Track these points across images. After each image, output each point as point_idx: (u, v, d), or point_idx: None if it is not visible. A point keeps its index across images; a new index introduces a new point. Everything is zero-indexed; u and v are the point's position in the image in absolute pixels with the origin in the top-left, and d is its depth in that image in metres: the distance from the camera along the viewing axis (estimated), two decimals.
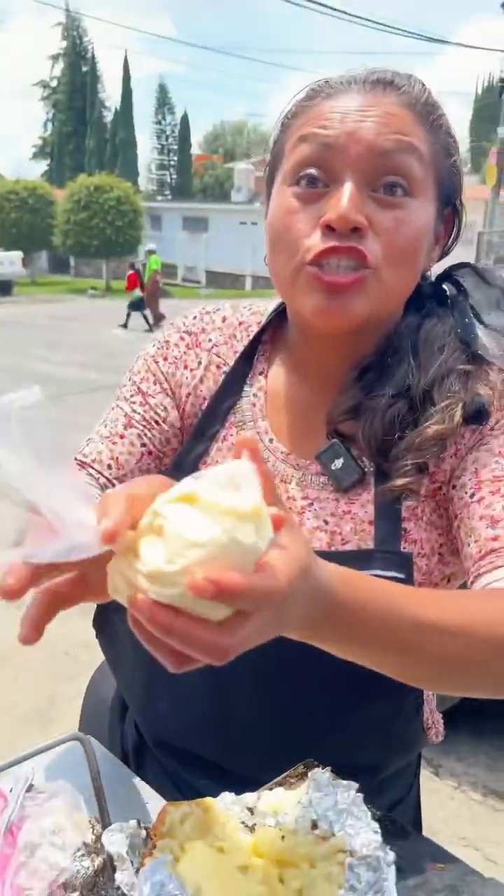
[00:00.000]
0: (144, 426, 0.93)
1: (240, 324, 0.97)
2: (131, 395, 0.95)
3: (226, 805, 0.70)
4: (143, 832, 0.66)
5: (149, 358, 0.97)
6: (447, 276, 0.90)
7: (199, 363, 0.95)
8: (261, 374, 0.94)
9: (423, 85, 0.82)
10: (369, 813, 0.65)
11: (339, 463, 0.85)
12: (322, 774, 0.69)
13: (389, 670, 0.65)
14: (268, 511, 0.49)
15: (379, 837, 0.61)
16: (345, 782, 0.68)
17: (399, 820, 0.74)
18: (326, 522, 0.85)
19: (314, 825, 0.67)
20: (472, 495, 0.78)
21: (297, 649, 0.85)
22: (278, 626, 0.53)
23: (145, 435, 0.93)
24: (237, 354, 0.94)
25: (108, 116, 54.86)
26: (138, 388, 0.95)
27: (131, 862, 0.62)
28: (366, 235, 0.77)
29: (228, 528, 0.46)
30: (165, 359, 0.96)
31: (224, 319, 0.98)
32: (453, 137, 0.84)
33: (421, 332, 0.84)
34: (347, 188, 0.76)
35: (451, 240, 0.88)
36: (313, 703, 0.87)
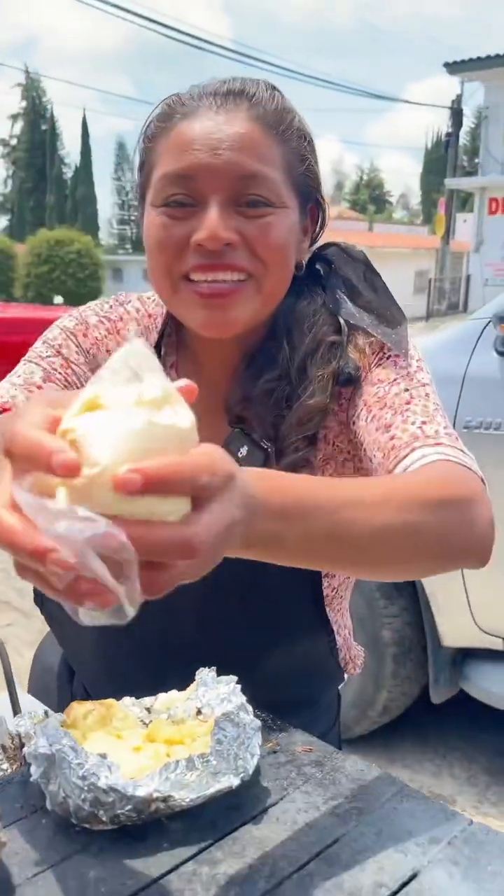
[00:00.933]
0: (65, 386, 0.93)
1: (148, 315, 1.01)
2: (49, 356, 0.95)
3: (126, 706, 0.81)
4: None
5: (67, 330, 0.97)
6: (317, 256, 1.00)
7: None
8: (171, 367, 1.00)
9: (274, 90, 0.90)
10: (244, 697, 0.77)
11: (243, 451, 0.91)
12: (208, 674, 0.81)
13: (334, 561, 0.69)
14: (177, 388, 0.47)
15: (242, 705, 0.73)
16: (226, 678, 0.80)
17: (279, 719, 0.85)
18: None
19: (199, 712, 0.78)
20: (366, 419, 0.88)
21: (221, 604, 0.94)
22: (238, 517, 0.52)
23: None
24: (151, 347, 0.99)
25: (68, 173, 55.91)
26: (58, 351, 0.95)
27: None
28: (237, 248, 0.84)
29: (142, 417, 0.44)
30: (85, 336, 0.96)
31: (138, 311, 1.01)
32: (307, 139, 0.91)
33: (294, 311, 0.95)
34: (213, 209, 0.83)
35: (318, 229, 0.98)
36: (242, 648, 0.93)
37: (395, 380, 0.89)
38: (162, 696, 0.83)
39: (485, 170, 21.28)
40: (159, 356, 0.99)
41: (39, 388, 0.92)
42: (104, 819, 0.65)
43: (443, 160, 27.89)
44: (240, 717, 0.71)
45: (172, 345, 1.01)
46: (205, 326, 0.88)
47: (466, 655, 2.72)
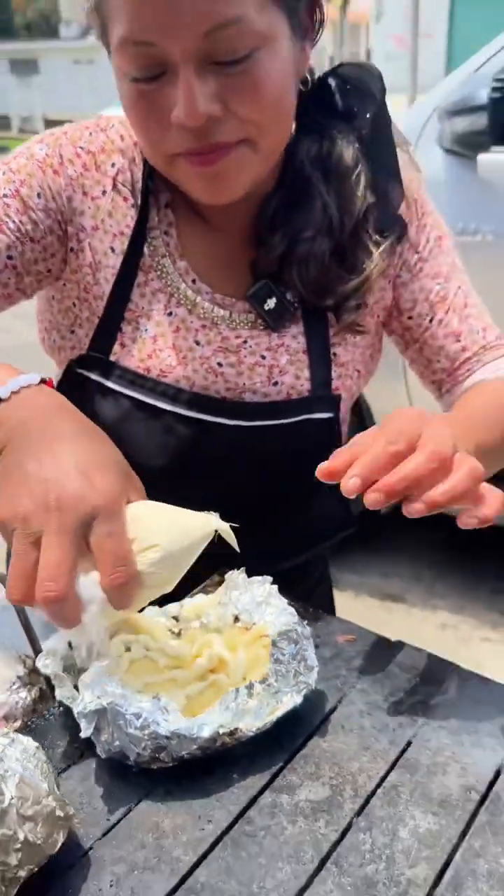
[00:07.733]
0: (17, 238, 0.81)
1: (135, 144, 0.85)
2: (4, 195, 0.81)
3: (151, 616, 0.74)
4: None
5: (36, 163, 0.82)
6: (331, 72, 0.85)
7: (104, 192, 0.84)
8: (166, 206, 0.86)
9: None
10: (285, 600, 0.71)
11: (271, 303, 0.86)
12: (237, 576, 0.74)
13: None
14: None
15: (295, 616, 0.67)
16: (259, 578, 0.73)
17: (310, 606, 0.80)
18: (264, 357, 0.88)
19: (236, 619, 0.72)
20: (430, 319, 0.91)
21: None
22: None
23: (15, 248, 0.81)
24: (139, 184, 0.85)
25: None
26: (17, 192, 0.81)
27: (69, 681, 0.65)
28: (224, 119, 0.71)
29: None
30: (57, 174, 0.82)
31: (122, 138, 0.85)
32: None
33: (330, 160, 0.83)
34: (185, 78, 0.68)
35: (317, 26, 0.79)
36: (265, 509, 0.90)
37: (448, 273, 0.91)
38: (188, 601, 0.76)
39: None
40: (146, 195, 0.85)
41: None
42: (166, 760, 0.59)
43: None
44: (297, 632, 0.65)
45: (164, 182, 0.85)
46: (206, 196, 0.79)
47: None
